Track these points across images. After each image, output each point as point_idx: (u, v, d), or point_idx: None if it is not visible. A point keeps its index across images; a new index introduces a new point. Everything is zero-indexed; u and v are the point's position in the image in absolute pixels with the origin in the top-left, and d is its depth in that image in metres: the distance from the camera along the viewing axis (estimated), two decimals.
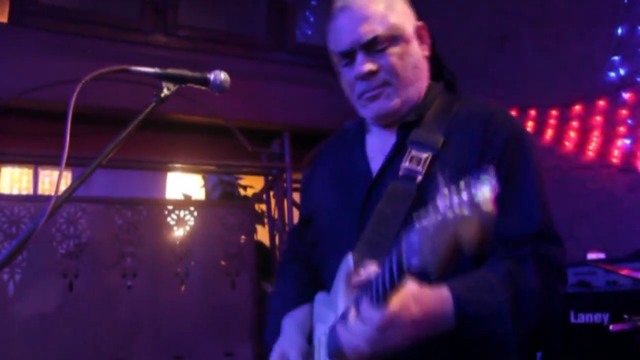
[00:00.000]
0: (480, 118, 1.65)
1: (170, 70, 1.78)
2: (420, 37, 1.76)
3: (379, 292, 1.24)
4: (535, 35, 4.62)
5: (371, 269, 1.32)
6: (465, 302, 1.37)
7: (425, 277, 1.19)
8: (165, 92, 1.78)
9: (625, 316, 2.24)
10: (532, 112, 4.55)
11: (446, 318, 1.36)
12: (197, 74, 1.81)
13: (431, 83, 1.80)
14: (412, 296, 1.30)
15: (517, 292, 1.42)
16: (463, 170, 1.30)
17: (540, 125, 4.48)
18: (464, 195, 0.99)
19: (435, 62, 1.82)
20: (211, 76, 1.81)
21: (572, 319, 3.28)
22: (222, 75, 1.82)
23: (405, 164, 1.61)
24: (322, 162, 1.98)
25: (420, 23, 1.77)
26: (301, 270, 1.93)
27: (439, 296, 1.36)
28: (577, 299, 3.30)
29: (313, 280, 1.84)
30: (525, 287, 1.44)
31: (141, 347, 3.85)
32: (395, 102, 1.69)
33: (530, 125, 4.54)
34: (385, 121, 1.75)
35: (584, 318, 3.23)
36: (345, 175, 1.80)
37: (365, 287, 1.31)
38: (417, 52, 1.73)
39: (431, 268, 1.06)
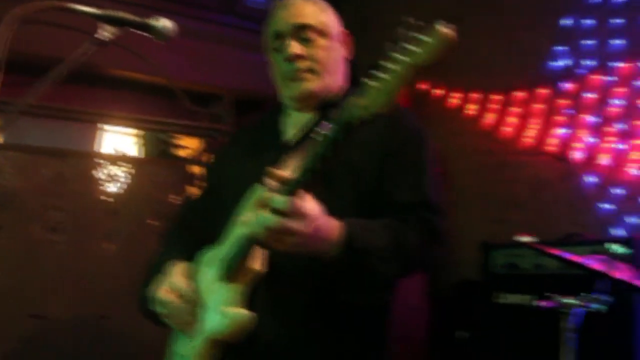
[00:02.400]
0: (390, 113, 1.80)
1: (111, 12, 1.70)
2: (342, 41, 1.98)
3: (291, 185, 1.38)
4: (481, 19, 4.63)
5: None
6: (353, 234, 1.54)
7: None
8: (105, 34, 1.70)
9: (548, 294, 2.31)
10: (474, 96, 4.58)
11: (333, 243, 1.52)
12: (139, 19, 1.74)
13: (350, 86, 1.97)
14: (319, 207, 1.47)
15: (397, 240, 1.61)
16: (376, 149, 1.73)
17: (482, 109, 4.52)
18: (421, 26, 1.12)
19: (353, 70, 2.01)
20: (155, 22, 1.74)
21: (499, 300, 3.35)
22: (167, 23, 1.75)
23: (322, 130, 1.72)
24: (232, 145, 2.15)
25: (344, 30, 1.99)
26: (187, 237, 2.00)
27: (333, 222, 1.53)
28: (504, 280, 3.37)
29: (197, 248, 1.90)
30: (404, 240, 1.63)
31: (63, 304, 3.74)
32: (316, 85, 1.86)
33: (471, 109, 4.58)
34: (304, 103, 1.90)
35: (510, 299, 3.30)
36: (258, 146, 1.94)
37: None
38: (340, 51, 1.96)
39: (380, 105, 1.21)
